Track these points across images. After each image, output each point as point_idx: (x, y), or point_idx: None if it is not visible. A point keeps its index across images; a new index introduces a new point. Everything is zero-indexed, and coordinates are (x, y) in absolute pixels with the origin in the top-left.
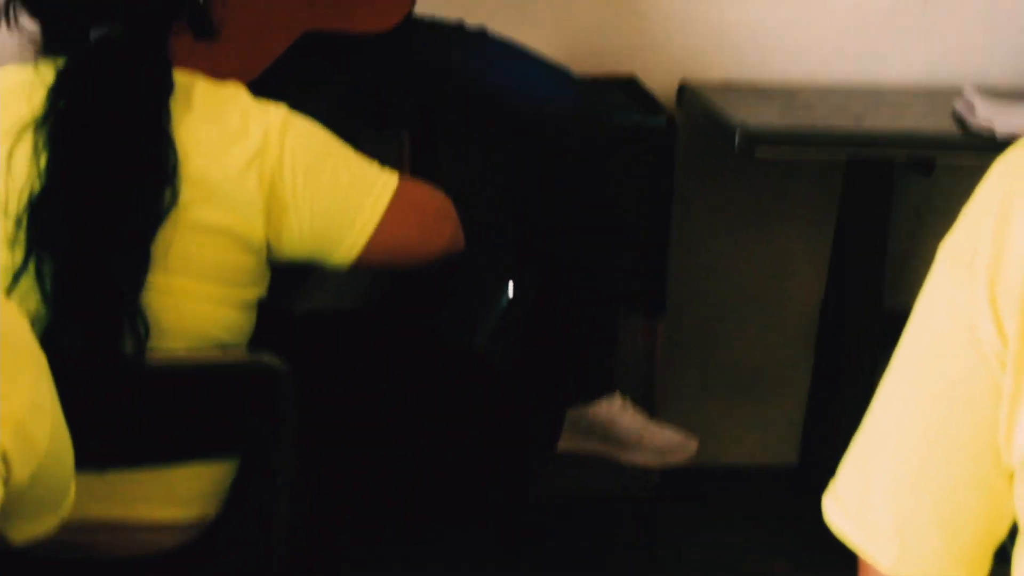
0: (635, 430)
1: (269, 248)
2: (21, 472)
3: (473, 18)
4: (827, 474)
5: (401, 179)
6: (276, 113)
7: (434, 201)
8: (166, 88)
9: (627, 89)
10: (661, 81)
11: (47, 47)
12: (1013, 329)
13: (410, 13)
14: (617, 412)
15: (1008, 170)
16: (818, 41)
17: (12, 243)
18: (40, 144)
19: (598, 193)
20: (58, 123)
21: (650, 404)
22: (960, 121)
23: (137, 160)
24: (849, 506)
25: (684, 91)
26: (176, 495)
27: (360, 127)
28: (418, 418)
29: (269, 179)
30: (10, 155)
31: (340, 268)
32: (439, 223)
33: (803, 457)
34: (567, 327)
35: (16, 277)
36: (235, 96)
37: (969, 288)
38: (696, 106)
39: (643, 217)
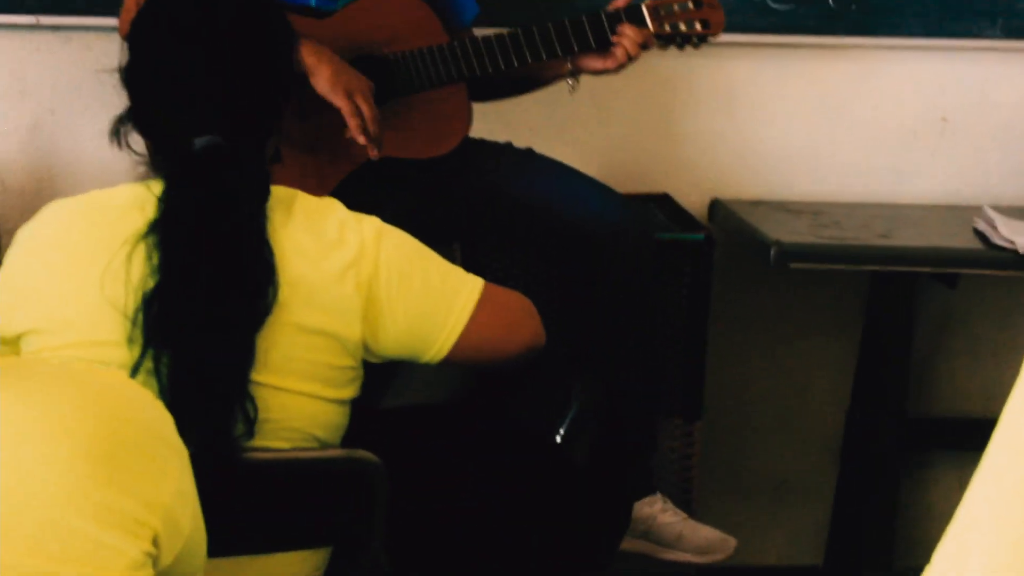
0: (675, 528)
1: (366, 348)
2: (168, 554)
3: (519, 140)
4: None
5: (486, 282)
6: (371, 223)
7: (518, 301)
8: (263, 194)
9: (661, 206)
10: (693, 199)
11: (156, 163)
12: None
13: (465, 137)
14: (658, 511)
15: None
16: (843, 160)
17: (130, 341)
18: (152, 249)
19: (640, 303)
20: (167, 229)
21: (688, 504)
22: (982, 237)
23: (240, 262)
24: None
25: (716, 208)
26: None
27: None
28: (500, 509)
29: (366, 284)
30: (128, 260)
31: (432, 364)
32: (524, 320)
33: (829, 558)
34: (616, 429)
35: (134, 371)
36: (332, 207)
37: None
38: (728, 222)
39: (682, 326)
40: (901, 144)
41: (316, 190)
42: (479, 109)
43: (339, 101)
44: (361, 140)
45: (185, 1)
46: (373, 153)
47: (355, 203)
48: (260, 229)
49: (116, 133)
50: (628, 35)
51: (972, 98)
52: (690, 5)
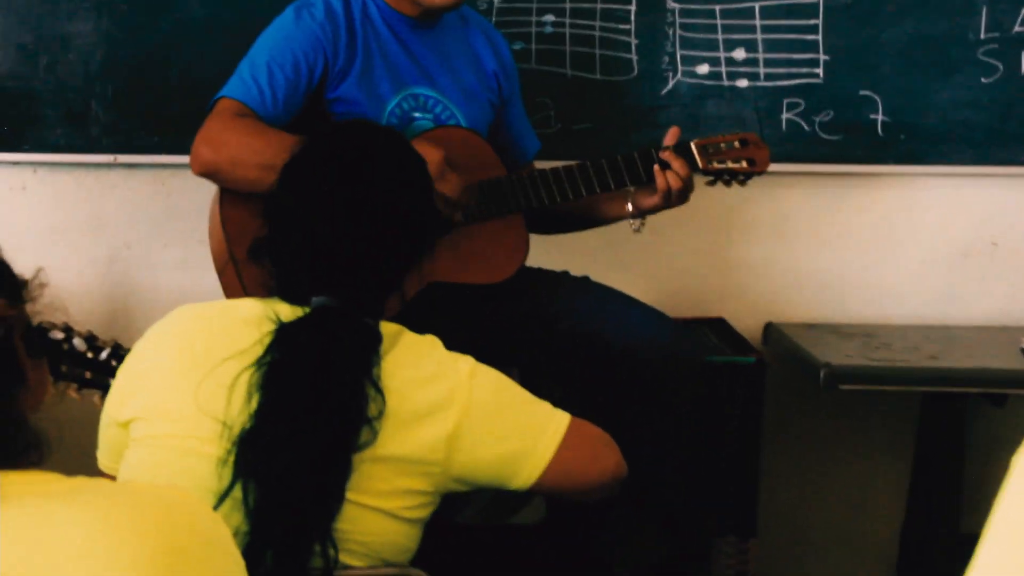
0: None
1: (452, 479)
2: None
3: (576, 268)
4: None
5: (572, 417)
6: (466, 361)
7: (601, 435)
8: (372, 347)
9: (716, 330)
10: (748, 322)
11: (279, 292)
12: None
13: (522, 265)
14: None
15: None
16: (895, 283)
17: (223, 463)
18: (256, 383)
19: (691, 424)
20: (273, 370)
21: None
22: None
23: (337, 409)
24: None
25: (770, 331)
26: None
27: None
28: None
29: (455, 420)
30: (235, 380)
31: (520, 491)
32: (606, 453)
33: None
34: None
35: (222, 498)
36: (433, 344)
37: None
38: (782, 345)
39: (736, 446)
40: (951, 267)
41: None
42: (543, 238)
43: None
44: (457, 218)
45: (341, 156)
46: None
47: (419, 326)
48: (369, 378)
49: (256, 252)
50: (673, 167)
51: (1021, 222)
52: (736, 144)
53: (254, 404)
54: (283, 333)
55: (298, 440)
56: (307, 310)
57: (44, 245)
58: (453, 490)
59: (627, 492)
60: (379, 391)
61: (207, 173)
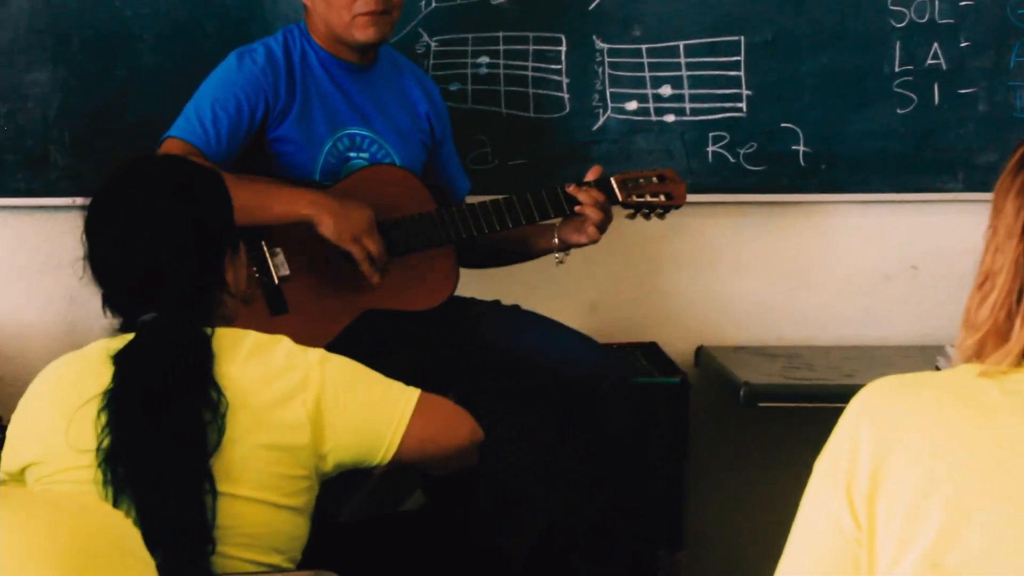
0: None
1: (318, 457)
2: None
3: (512, 298)
4: None
5: (422, 391)
6: (315, 351)
7: (452, 405)
8: (203, 348)
9: (648, 354)
10: (680, 346)
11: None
12: (864, 517)
13: (452, 293)
14: None
15: (857, 406)
16: (819, 307)
17: (103, 485)
18: (110, 409)
19: (619, 442)
20: (118, 393)
21: None
22: None
23: (183, 411)
24: None
25: (700, 354)
26: None
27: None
28: None
29: (314, 401)
30: (98, 415)
31: (382, 465)
32: (458, 419)
33: None
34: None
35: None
36: (280, 340)
37: (833, 490)
38: (711, 367)
39: (663, 463)
40: (873, 291)
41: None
42: (481, 271)
43: (347, 246)
44: (375, 280)
45: (122, 196)
46: (376, 280)
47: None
48: (205, 378)
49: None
50: (593, 196)
51: (939, 246)
52: (655, 179)
53: (110, 427)
54: (120, 357)
55: (153, 451)
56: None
57: (5, 285)
58: (324, 472)
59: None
60: (218, 390)
61: None
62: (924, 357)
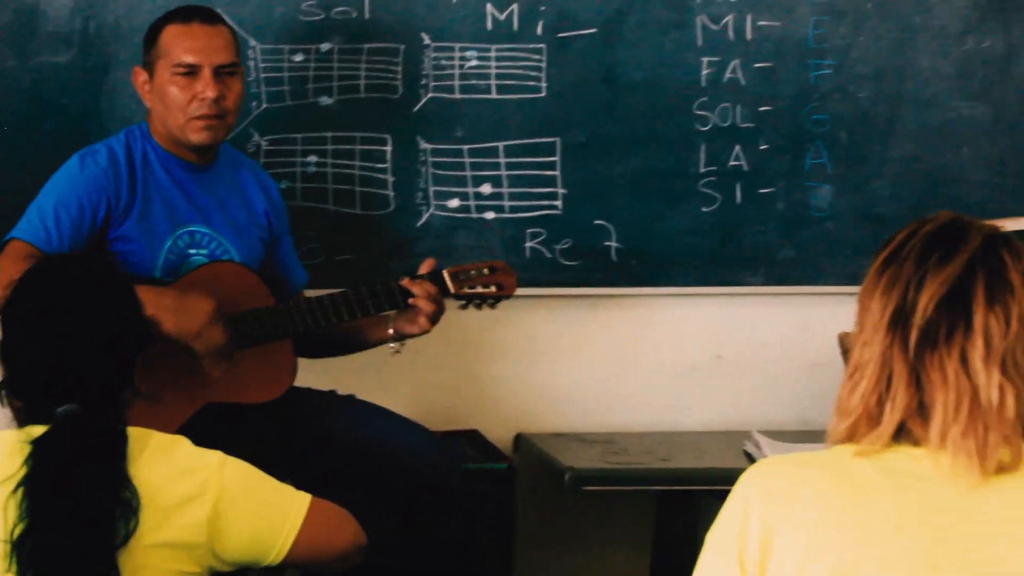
0: None
1: (213, 556)
2: None
3: (343, 388)
4: None
5: (312, 496)
6: (215, 454)
7: (339, 511)
8: (120, 444)
9: (472, 441)
10: (500, 433)
11: (28, 419)
12: None
13: (291, 384)
14: None
15: (746, 483)
16: (632, 394)
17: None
18: (20, 498)
19: (452, 527)
20: (31, 482)
21: None
22: (750, 458)
23: (98, 504)
24: None
25: (520, 441)
26: None
27: None
28: None
29: (212, 504)
30: (6, 504)
31: (272, 566)
32: (344, 525)
33: None
34: None
35: None
36: (181, 442)
37: (726, 560)
38: (531, 453)
39: (491, 546)
40: (682, 379)
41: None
42: (311, 362)
43: (189, 342)
44: (217, 373)
45: (41, 290)
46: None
47: (197, 444)
48: (122, 472)
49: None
50: (425, 289)
51: (742, 337)
52: (486, 271)
53: (20, 515)
54: (36, 446)
55: (64, 542)
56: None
57: None
58: (219, 570)
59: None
60: (131, 487)
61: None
62: (731, 442)
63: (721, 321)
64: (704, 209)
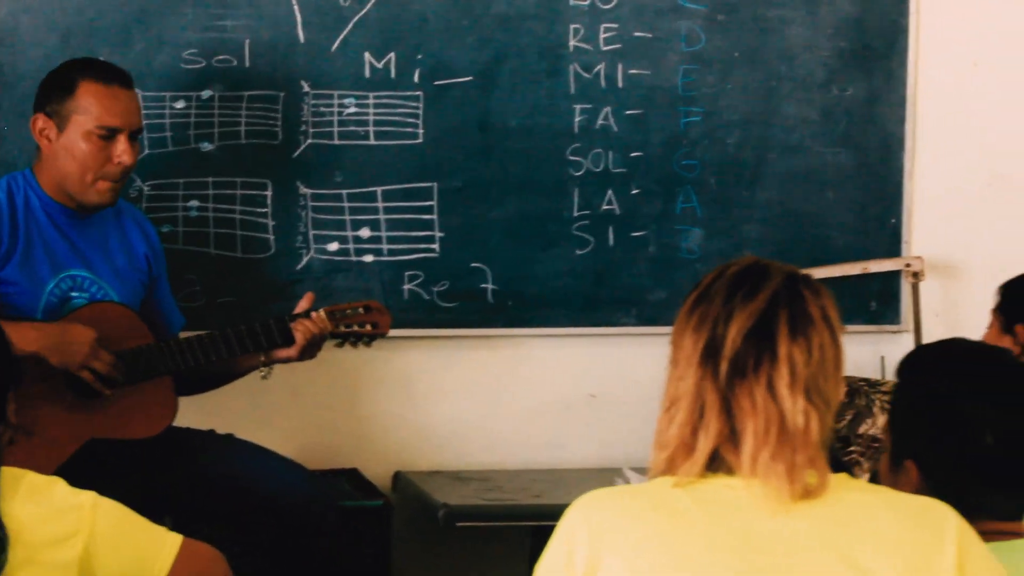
0: None
1: None
2: None
3: (222, 426)
4: None
5: (184, 537)
6: (88, 494)
7: (210, 552)
8: None
9: (350, 478)
10: (379, 471)
11: None
12: None
13: (172, 421)
14: None
15: (573, 515)
16: (508, 433)
17: None
18: None
19: (327, 564)
20: None
21: None
22: None
23: None
24: None
25: (398, 479)
26: None
27: None
28: None
29: (83, 545)
30: None
31: None
32: (214, 566)
33: None
34: None
35: None
36: (55, 482)
37: None
38: (409, 491)
39: None
40: (556, 417)
41: (45, 469)
42: (192, 401)
43: (77, 372)
44: (108, 393)
45: None
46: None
47: (79, 482)
48: None
49: None
50: (304, 326)
51: (615, 376)
52: (361, 310)
53: None
54: None
55: None
56: None
57: None
58: None
59: None
60: (1, 525)
61: None
62: (603, 478)
63: (594, 360)
64: (578, 252)
